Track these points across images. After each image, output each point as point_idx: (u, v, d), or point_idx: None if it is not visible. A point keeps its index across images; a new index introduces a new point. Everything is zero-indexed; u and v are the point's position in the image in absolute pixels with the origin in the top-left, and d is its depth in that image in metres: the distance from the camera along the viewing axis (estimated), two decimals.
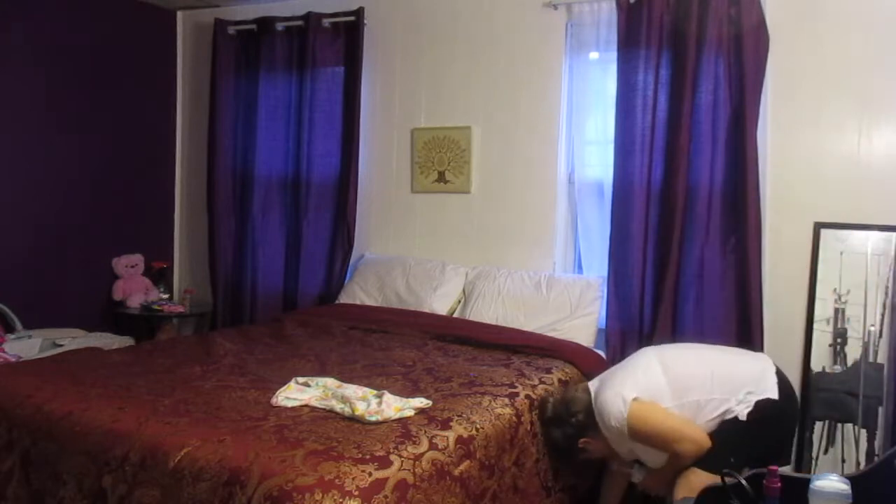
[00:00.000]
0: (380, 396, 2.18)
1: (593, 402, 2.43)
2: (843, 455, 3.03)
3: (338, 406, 2.18)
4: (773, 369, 2.46)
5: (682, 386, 2.39)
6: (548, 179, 3.71)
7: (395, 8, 4.11)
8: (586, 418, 2.44)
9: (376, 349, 3.07)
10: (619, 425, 2.33)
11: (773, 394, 2.36)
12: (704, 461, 2.29)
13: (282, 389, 2.30)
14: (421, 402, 2.23)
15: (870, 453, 2.98)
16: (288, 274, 4.29)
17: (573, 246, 3.76)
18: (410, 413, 2.14)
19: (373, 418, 2.06)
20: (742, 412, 2.33)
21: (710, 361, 2.49)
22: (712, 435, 2.33)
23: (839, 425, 3.06)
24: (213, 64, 4.41)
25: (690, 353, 2.60)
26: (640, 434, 2.33)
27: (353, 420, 2.09)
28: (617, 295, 3.39)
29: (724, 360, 2.52)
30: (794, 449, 2.82)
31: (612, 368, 2.60)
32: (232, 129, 4.43)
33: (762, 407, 2.33)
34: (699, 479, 2.20)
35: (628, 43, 3.36)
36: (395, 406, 2.13)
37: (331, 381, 2.38)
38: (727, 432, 2.33)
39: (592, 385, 2.51)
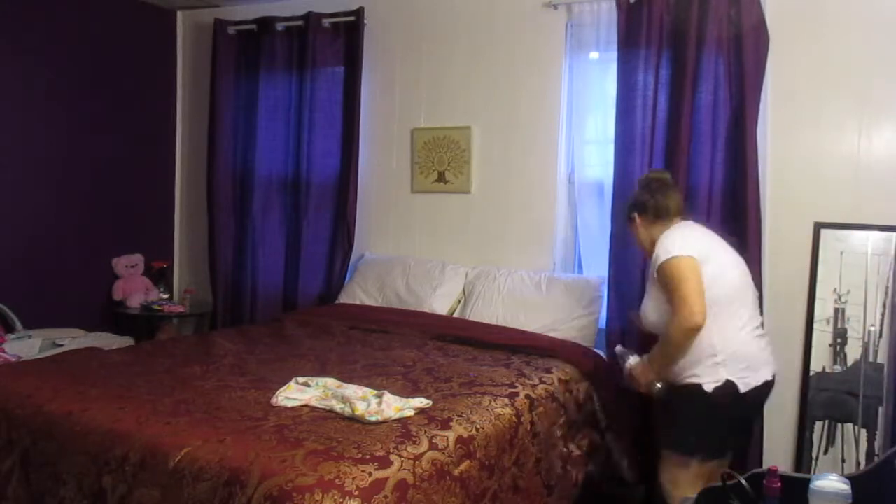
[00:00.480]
0: (380, 396, 2.18)
1: (667, 229, 2.50)
2: (843, 455, 3.03)
3: (338, 406, 2.18)
4: (770, 377, 2.44)
5: (726, 302, 2.37)
6: (548, 179, 3.71)
7: (395, 8, 4.11)
8: (636, 204, 2.61)
9: (376, 349, 3.07)
10: (657, 259, 2.40)
11: (743, 387, 2.34)
12: (667, 437, 2.44)
13: (282, 389, 2.30)
14: (421, 402, 2.23)
15: (870, 453, 2.98)
16: (288, 274, 4.29)
17: (573, 246, 3.75)
18: (410, 413, 2.14)
19: (373, 418, 2.06)
20: (709, 383, 2.33)
21: (750, 320, 2.45)
22: (675, 406, 2.43)
23: (839, 425, 3.06)
24: (213, 64, 4.41)
25: (752, 302, 2.53)
26: (661, 275, 2.38)
27: (353, 420, 2.09)
28: (617, 295, 3.39)
29: (755, 331, 2.47)
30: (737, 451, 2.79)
31: (708, 230, 2.60)
32: (232, 129, 4.43)
33: (727, 389, 2.33)
34: (673, 462, 2.40)
35: (628, 43, 3.36)
36: (395, 406, 2.13)
37: (331, 381, 2.38)
38: (690, 406, 2.38)
39: (686, 222, 2.58)
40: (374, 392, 2.24)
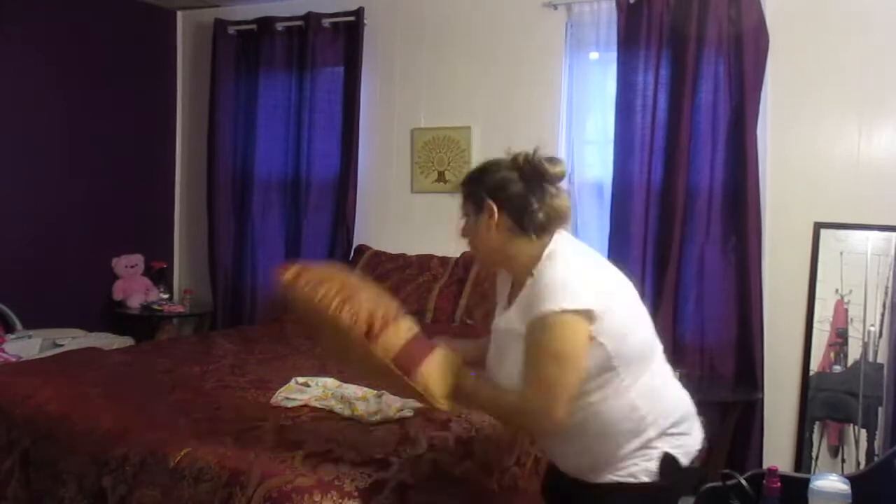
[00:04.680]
0: (380, 396, 2.18)
1: (546, 251, 1.58)
2: (843, 455, 3.03)
3: (337, 406, 2.18)
4: (701, 437, 1.68)
5: (648, 351, 1.62)
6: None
7: (395, 8, 4.11)
8: (501, 191, 1.61)
9: None
10: (540, 303, 1.49)
11: (685, 458, 1.60)
12: None
13: (281, 389, 2.30)
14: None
15: (870, 453, 2.98)
16: None
17: None
18: (410, 414, 2.14)
19: (373, 418, 2.06)
20: (644, 472, 1.56)
21: (668, 366, 1.70)
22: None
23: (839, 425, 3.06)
24: (213, 64, 4.41)
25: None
26: (532, 338, 1.49)
27: (353, 420, 2.09)
28: None
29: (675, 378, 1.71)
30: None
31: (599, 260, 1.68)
32: (232, 129, 4.42)
33: (667, 468, 1.56)
34: None
35: (628, 43, 3.36)
36: (394, 406, 2.13)
37: (330, 382, 2.38)
38: None
39: (568, 239, 1.65)
40: (375, 392, 2.24)
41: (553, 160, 1.64)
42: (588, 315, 1.47)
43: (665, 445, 1.57)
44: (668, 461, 1.56)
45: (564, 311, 1.46)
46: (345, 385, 2.35)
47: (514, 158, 1.66)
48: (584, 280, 1.53)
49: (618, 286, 1.61)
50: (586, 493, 1.61)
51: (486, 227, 1.62)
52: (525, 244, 1.60)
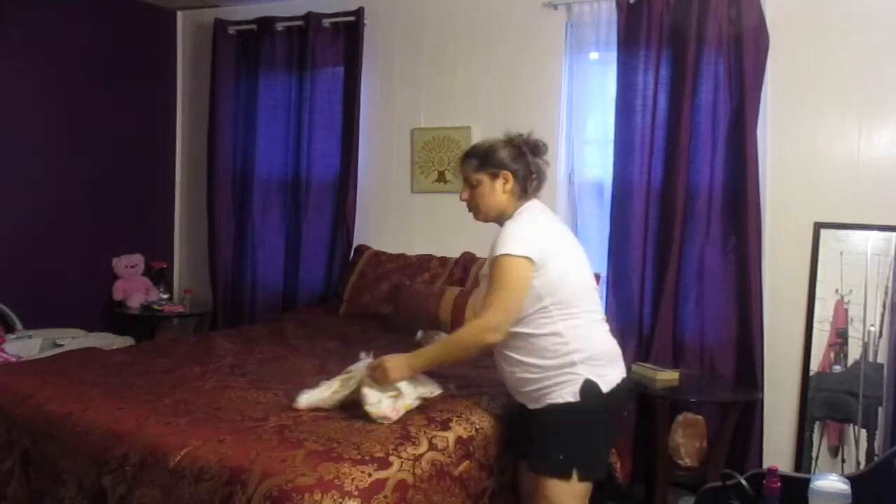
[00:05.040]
0: (395, 398, 2.11)
1: (518, 210, 2.14)
2: (843, 455, 3.03)
3: (351, 385, 2.14)
4: (624, 374, 2.14)
5: (576, 300, 2.08)
6: (547, 179, 3.69)
7: (395, 8, 4.11)
8: (513, 163, 2.13)
9: (377, 349, 3.06)
10: (495, 249, 2.05)
11: (605, 386, 2.04)
12: (541, 464, 2.07)
13: (309, 392, 2.20)
14: (431, 391, 2.17)
15: (870, 453, 2.98)
16: (287, 274, 4.29)
17: None
18: (417, 403, 2.12)
19: (378, 419, 2.04)
20: (570, 393, 2.02)
21: (600, 315, 2.17)
22: (537, 428, 2.09)
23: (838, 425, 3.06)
24: (213, 64, 4.41)
25: (597, 297, 2.24)
26: (489, 273, 2.05)
27: (357, 410, 2.06)
28: (616, 295, 3.39)
29: (605, 326, 2.18)
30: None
31: (556, 217, 2.24)
32: (232, 129, 4.43)
33: (589, 390, 2.01)
34: (553, 489, 2.03)
35: (628, 43, 3.36)
36: (405, 404, 2.10)
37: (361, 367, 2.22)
38: (555, 422, 2.05)
39: (536, 205, 2.17)
40: (393, 393, 2.12)
41: (537, 139, 2.21)
42: (528, 260, 2.00)
43: (586, 373, 2.02)
44: (588, 386, 2.01)
45: (509, 255, 2.00)
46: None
47: (510, 139, 2.17)
48: (531, 235, 2.05)
49: (562, 244, 2.12)
50: (532, 417, 2.11)
51: (500, 191, 2.14)
52: (516, 203, 2.15)
